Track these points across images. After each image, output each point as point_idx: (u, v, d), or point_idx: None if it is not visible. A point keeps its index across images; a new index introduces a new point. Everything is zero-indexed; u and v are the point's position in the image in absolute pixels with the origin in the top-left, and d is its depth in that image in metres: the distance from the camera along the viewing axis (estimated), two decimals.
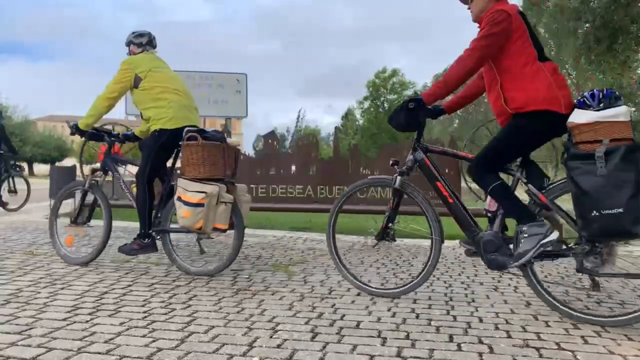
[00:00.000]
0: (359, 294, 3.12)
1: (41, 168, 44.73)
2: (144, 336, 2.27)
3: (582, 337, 2.38)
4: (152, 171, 3.74)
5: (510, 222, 2.87)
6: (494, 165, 2.79)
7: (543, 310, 2.83)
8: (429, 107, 2.93)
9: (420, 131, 3.05)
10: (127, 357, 2.02)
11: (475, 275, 3.75)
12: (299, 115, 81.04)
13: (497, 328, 2.49)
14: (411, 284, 3.05)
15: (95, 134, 3.99)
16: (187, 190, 3.43)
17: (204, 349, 2.12)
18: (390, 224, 3.15)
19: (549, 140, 2.81)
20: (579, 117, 2.50)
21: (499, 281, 3.58)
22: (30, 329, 2.34)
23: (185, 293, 3.07)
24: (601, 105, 2.46)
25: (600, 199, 2.34)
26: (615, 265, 2.61)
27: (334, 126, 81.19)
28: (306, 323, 2.51)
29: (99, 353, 2.05)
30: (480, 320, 2.61)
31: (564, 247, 2.67)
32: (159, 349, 2.11)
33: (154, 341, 2.21)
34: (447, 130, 44.75)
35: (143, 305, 2.78)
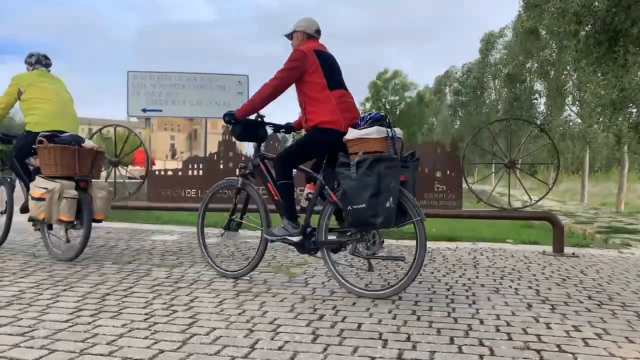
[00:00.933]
0: (359, 296, 3.13)
1: None
2: (146, 338, 2.28)
3: (583, 339, 2.39)
4: (15, 165, 4.47)
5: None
6: (291, 164, 3.45)
7: (544, 312, 2.84)
8: (272, 123, 3.72)
9: (258, 142, 3.67)
10: (129, 358, 2.03)
11: (477, 277, 3.76)
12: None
13: (498, 330, 2.50)
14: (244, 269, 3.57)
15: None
16: (35, 186, 4.02)
17: (205, 351, 2.13)
18: (232, 217, 3.68)
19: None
20: (349, 134, 3.19)
21: (500, 283, 3.58)
22: (33, 330, 2.35)
23: (186, 295, 3.08)
24: (365, 125, 3.15)
25: (352, 197, 3.01)
26: (382, 249, 3.24)
27: None
28: (307, 325, 2.52)
29: (102, 355, 2.06)
30: (481, 322, 2.62)
31: (347, 235, 3.26)
32: (161, 351, 2.12)
33: (155, 343, 2.22)
34: (448, 131, 44.77)
35: (145, 307, 2.79)
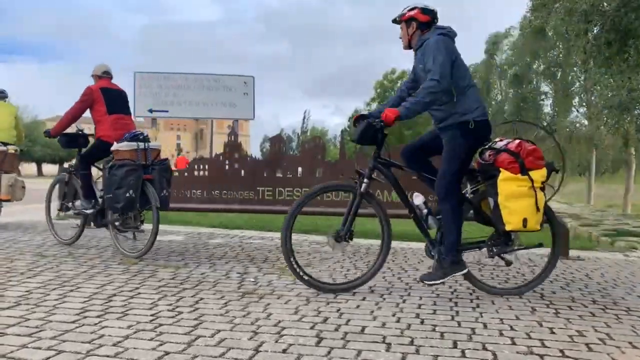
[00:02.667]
0: (364, 299, 3.14)
1: (50, 168, 45.05)
2: (151, 339, 2.31)
3: (587, 344, 2.39)
4: None
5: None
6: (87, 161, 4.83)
7: (547, 316, 2.84)
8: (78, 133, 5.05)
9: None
10: None
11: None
12: (304, 117, 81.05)
13: (501, 334, 2.50)
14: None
15: None
16: None
17: (210, 353, 2.15)
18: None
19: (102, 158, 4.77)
20: (113, 147, 4.39)
21: (504, 286, 3.58)
22: (40, 331, 2.38)
23: (192, 296, 3.10)
24: (125, 140, 4.35)
25: (106, 189, 4.30)
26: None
27: (340, 127, 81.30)
28: (311, 328, 2.53)
29: (108, 356, 2.09)
30: (485, 327, 2.62)
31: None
32: (167, 353, 2.14)
33: (161, 344, 2.24)
34: None
35: (150, 308, 2.81)
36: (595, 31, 10.43)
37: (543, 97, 27.49)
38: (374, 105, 47.69)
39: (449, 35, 3.27)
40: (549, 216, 3.33)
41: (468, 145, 3.22)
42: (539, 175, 3.04)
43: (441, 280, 3.22)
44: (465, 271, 3.23)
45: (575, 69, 21.13)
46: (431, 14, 3.33)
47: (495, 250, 3.29)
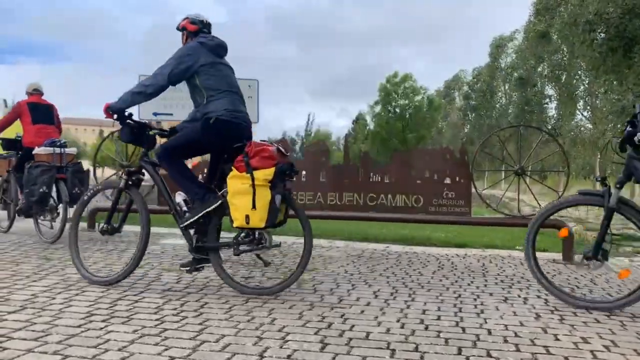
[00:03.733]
0: (368, 304, 3.14)
1: None
2: (156, 344, 2.32)
3: (591, 351, 2.39)
4: None
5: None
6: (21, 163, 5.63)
7: (552, 323, 2.84)
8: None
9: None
10: None
11: (485, 286, 3.75)
12: (308, 120, 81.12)
13: (505, 341, 2.50)
14: None
15: None
16: None
17: (215, 358, 2.16)
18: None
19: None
20: (35, 150, 5.39)
21: (508, 292, 3.58)
22: (46, 335, 2.40)
23: (196, 301, 3.11)
24: (44, 146, 5.40)
25: (24, 186, 5.24)
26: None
27: (346, 129, 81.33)
28: (316, 333, 2.54)
29: None
30: (489, 333, 2.62)
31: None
32: (172, 358, 2.15)
33: (166, 349, 2.25)
34: (458, 134, 44.67)
35: (155, 313, 2.82)
36: (599, 38, 10.44)
37: (547, 100, 27.46)
38: (378, 109, 47.71)
39: (206, 44, 3.51)
40: (298, 213, 3.41)
41: (204, 133, 3.41)
42: (262, 174, 3.12)
43: (202, 212, 3.34)
44: (218, 202, 3.32)
45: (579, 72, 21.11)
46: (200, 24, 3.64)
47: (242, 248, 3.32)
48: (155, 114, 9.25)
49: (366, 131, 51.58)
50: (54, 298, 3.07)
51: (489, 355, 2.30)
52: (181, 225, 3.43)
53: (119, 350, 2.23)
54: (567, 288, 3.62)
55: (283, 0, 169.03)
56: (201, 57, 3.43)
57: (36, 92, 5.93)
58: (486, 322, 2.81)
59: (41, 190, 5.09)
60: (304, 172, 6.50)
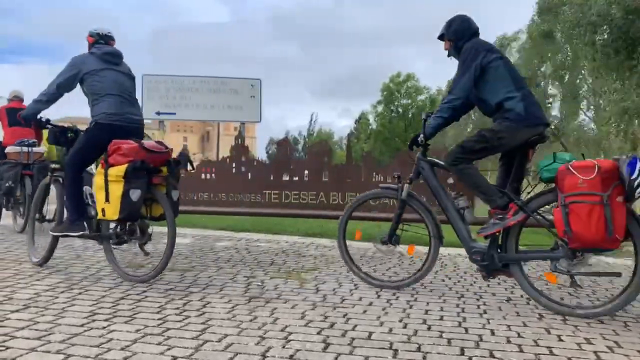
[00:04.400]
0: (370, 304, 3.14)
1: None
2: (159, 344, 2.32)
3: (595, 352, 2.38)
4: None
5: None
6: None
7: (555, 323, 2.83)
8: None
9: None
10: None
11: (488, 286, 3.75)
12: (311, 120, 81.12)
13: (508, 341, 2.49)
14: None
15: None
16: None
17: (218, 358, 2.16)
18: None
19: None
20: (7, 149, 5.80)
21: (512, 292, 3.57)
22: (49, 334, 2.40)
23: (199, 300, 3.12)
24: (14, 146, 5.82)
25: None
26: None
27: (348, 129, 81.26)
28: (318, 333, 2.54)
29: None
30: (492, 333, 2.62)
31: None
32: (174, 358, 2.15)
33: (169, 349, 2.25)
34: (462, 134, 44.58)
35: (158, 312, 2.83)
36: (603, 38, 10.42)
37: (551, 100, 27.37)
38: (380, 108, 47.66)
39: (94, 53, 3.88)
40: (163, 204, 3.54)
41: (89, 138, 3.77)
42: (115, 170, 3.38)
43: (63, 233, 3.74)
44: (79, 233, 3.70)
45: (583, 72, 21.05)
46: (97, 36, 3.98)
47: (118, 239, 3.64)
48: (158, 113, 9.29)
49: (369, 131, 51.52)
50: (56, 297, 3.08)
51: (492, 355, 2.29)
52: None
53: (122, 349, 2.23)
54: (386, 276, 3.99)
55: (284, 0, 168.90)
56: (86, 66, 3.78)
57: (16, 98, 6.50)
58: (489, 323, 2.81)
59: (7, 184, 5.67)
60: (306, 172, 6.51)
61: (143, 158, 3.41)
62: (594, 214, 2.68)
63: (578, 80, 23.14)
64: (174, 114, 9.44)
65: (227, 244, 5.43)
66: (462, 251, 5.54)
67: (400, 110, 46.49)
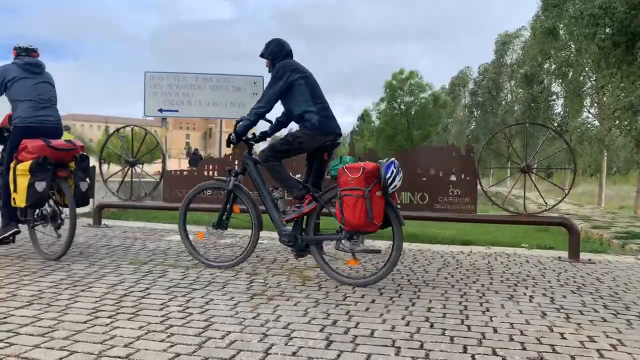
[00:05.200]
0: (373, 301, 3.14)
1: None
2: (162, 341, 2.32)
3: (598, 350, 2.38)
4: None
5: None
6: None
7: (558, 321, 2.83)
8: None
9: None
10: None
11: (491, 284, 3.74)
12: None
13: (511, 339, 2.49)
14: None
15: None
16: None
17: (220, 355, 2.17)
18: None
19: None
20: None
21: (514, 290, 3.57)
22: (53, 331, 2.41)
23: (201, 297, 3.12)
24: None
25: None
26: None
27: (351, 126, 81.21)
28: (321, 330, 2.54)
29: (119, 357, 2.11)
30: (495, 331, 2.62)
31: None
32: (177, 354, 2.16)
33: (172, 346, 2.26)
34: (464, 131, 44.49)
35: (161, 309, 2.83)
36: (605, 33, 10.36)
37: (554, 97, 27.26)
38: (383, 106, 47.55)
39: (16, 63, 4.25)
40: (68, 197, 4.06)
41: (11, 141, 4.14)
42: (21, 165, 3.92)
43: (2, 236, 4.16)
44: (14, 230, 4.18)
45: (586, 68, 20.95)
46: (19, 50, 4.35)
47: (36, 223, 4.20)
48: (160, 110, 9.29)
49: (372, 128, 51.42)
50: (60, 294, 3.09)
51: (494, 353, 2.29)
52: None
53: (125, 346, 2.24)
54: (212, 255, 4.48)
55: None
56: (8, 75, 4.17)
57: None
58: (492, 320, 2.80)
59: None
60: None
61: (47, 155, 3.93)
62: (358, 204, 3.30)
63: (581, 77, 23.04)
64: (177, 111, 9.46)
65: (230, 241, 5.44)
66: (465, 249, 5.57)
67: (403, 107, 46.35)
